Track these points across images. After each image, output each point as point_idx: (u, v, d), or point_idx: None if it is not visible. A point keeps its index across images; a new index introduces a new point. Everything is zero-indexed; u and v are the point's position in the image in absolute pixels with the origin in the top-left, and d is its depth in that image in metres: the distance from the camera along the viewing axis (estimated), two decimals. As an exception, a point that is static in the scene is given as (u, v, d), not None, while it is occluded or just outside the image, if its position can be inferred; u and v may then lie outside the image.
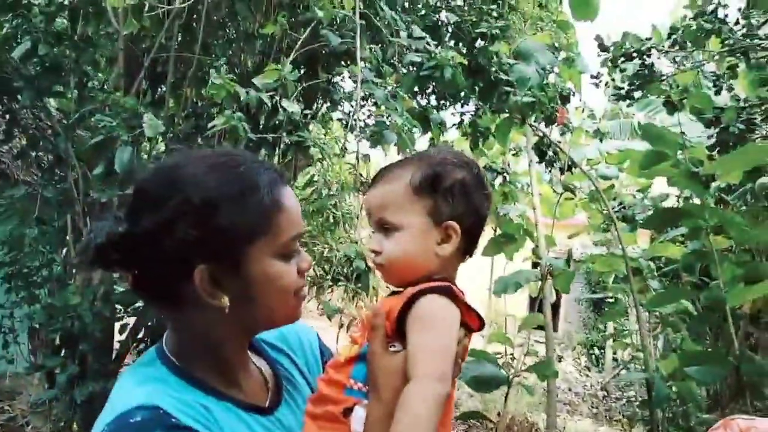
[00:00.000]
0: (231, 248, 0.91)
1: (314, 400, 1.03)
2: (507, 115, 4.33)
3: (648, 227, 4.39)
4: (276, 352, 1.15)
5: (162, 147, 3.45)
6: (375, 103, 3.58)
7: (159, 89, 4.03)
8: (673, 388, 3.75)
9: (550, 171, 5.30)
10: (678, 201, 5.93)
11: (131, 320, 3.68)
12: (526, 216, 5.42)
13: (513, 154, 5.91)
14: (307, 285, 1.04)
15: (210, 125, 2.73)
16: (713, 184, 5.34)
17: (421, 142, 5.15)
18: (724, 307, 3.59)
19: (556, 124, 4.56)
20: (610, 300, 5.92)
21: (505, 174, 5.34)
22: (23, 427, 3.77)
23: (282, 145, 2.85)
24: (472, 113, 4.77)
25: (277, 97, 2.87)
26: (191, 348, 0.98)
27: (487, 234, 5.71)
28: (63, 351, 3.70)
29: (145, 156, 3.26)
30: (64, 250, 3.81)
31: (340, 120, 4.62)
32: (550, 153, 4.92)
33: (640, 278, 4.56)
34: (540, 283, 4.36)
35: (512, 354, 5.20)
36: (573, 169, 4.97)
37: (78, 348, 3.48)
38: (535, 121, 4.56)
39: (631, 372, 5.33)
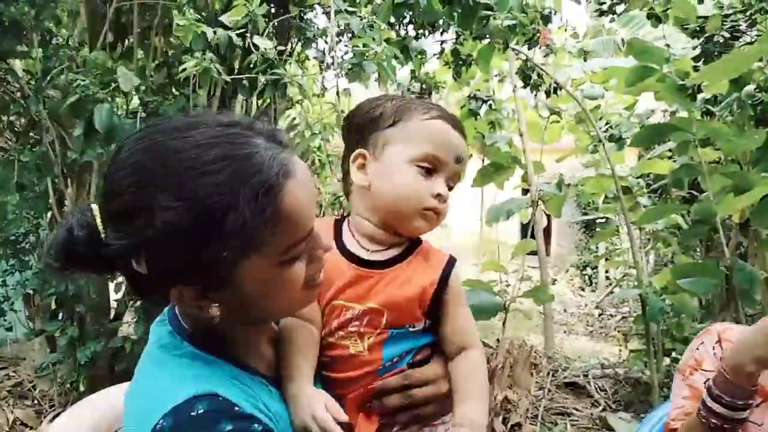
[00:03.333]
0: (211, 271, 0.75)
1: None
2: (488, 40, 4.21)
3: (636, 145, 4.36)
4: None
5: (136, 100, 3.35)
6: (351, 37, 3.45)
7: (126, 41, 3.87)
8: (667, 301, 3.82)
9: (535, 95, 5.21)
10: (664, 117, 5.89)
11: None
12: (513, 143, 5.38)
13: (497, 81, 5.80)
14: (321, 270, 0.89)
15: (181, 68, 2.62)
16: (699, 96, 5.29)
17: (402, 74, 5.03)
18: (714, 219, 3.62)
19: (538, 46, 4.45)
20: (601, 220, 5.94)
21: (490, 102, 5.24)
22: (30, 391, 3.82)
23: (258, 86, 2.75)
24: (453, 41, 4.63)
25: (248, 35, 2.74)
26: (205, 333, 0.86)
27: (476, 164, 5.68)
28: (60, 314, 3.70)
29: (122, 113, 3.16)
30: (49, 214, 3.75)
31: (315, 58, 4.48)
32: (534, 76, 4.82)
33: (630, 196, 4.57)
34: (531, 209, 4.36)
35: (507, 281, 5.26)
36: (558, 91, 4.89)
37: (75, 310, 3.48)
38: (517, 45, 4.44)
39: (625, 289, 5.42)
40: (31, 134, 3.87)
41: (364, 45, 2.73)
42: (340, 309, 0.96)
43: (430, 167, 0.97)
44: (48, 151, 3.54)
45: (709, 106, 5.15)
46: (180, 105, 2.89)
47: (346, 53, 3.43)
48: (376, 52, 2.67)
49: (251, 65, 2.72)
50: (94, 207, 0.78)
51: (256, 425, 0.76)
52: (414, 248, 1.02)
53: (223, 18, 2.74)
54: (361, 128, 1.01)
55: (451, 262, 0.99)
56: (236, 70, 2.86)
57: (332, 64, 2.92)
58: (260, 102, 3.20)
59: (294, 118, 4.47)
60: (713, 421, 1.15)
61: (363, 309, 0.95)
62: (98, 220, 0.77)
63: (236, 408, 0.76)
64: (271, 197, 0.75)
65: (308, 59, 4.73)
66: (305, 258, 0.84)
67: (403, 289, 0.96)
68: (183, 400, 0.75)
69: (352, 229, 1.03)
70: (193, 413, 0.73)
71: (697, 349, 1.36)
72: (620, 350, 5.11)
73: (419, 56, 3.68)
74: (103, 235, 0.76)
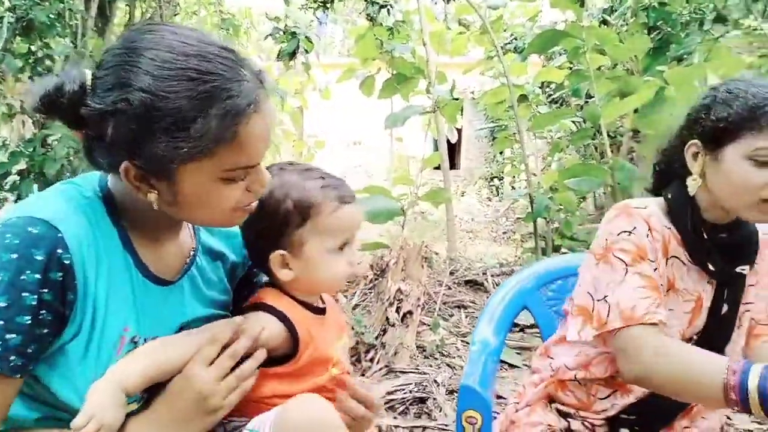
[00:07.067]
0: (162, 160, 0.84)
1: None
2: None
3: (531, 52, 4.47)
4: (209, 235, 1.13)
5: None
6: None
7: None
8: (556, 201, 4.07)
9: (435, 2, 5.18)
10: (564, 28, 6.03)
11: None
12: (418, 55, 5.37)
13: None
14: (254, 201, 0.97)
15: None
16: (597, 6, 5.44)
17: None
18: (599, 122, 3.82)
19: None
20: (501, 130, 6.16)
21: (387, 6, 5.15)
22: None
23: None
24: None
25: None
26: (127, 201, 0.95)
27: (384, 76, 5.65)
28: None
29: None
30: None
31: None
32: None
33: (526, 104, 4.74)
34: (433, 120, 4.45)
35: (416, 193, 5.41)
36: (456, -1, 4.88)
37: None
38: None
39: (517, 190, 5.69)
40: None
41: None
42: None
43: (344, 246, 1.10)
44: None
45: (606, 16, 5.33)
46: (53, 10, 2.70)
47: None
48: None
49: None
50: (88, 72, 0.86)
51: (30, 271, 0.81)
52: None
53: None
54: (272, 232, 1.06)
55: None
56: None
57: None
58: (144, 8, 3.04)
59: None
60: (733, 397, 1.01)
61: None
62: (88, 83, 0.86)
63: (60, 252, 0.83)
64: (236, 121, 0.85)
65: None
66: (243, 185, 0.93)
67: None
68: (26, 214, 0.84)
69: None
70: (27, 227, 0.83)
71: (631, 233, 1.22)
72: (516, 250, 5.44)
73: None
74: (88, 98, 0.85)
